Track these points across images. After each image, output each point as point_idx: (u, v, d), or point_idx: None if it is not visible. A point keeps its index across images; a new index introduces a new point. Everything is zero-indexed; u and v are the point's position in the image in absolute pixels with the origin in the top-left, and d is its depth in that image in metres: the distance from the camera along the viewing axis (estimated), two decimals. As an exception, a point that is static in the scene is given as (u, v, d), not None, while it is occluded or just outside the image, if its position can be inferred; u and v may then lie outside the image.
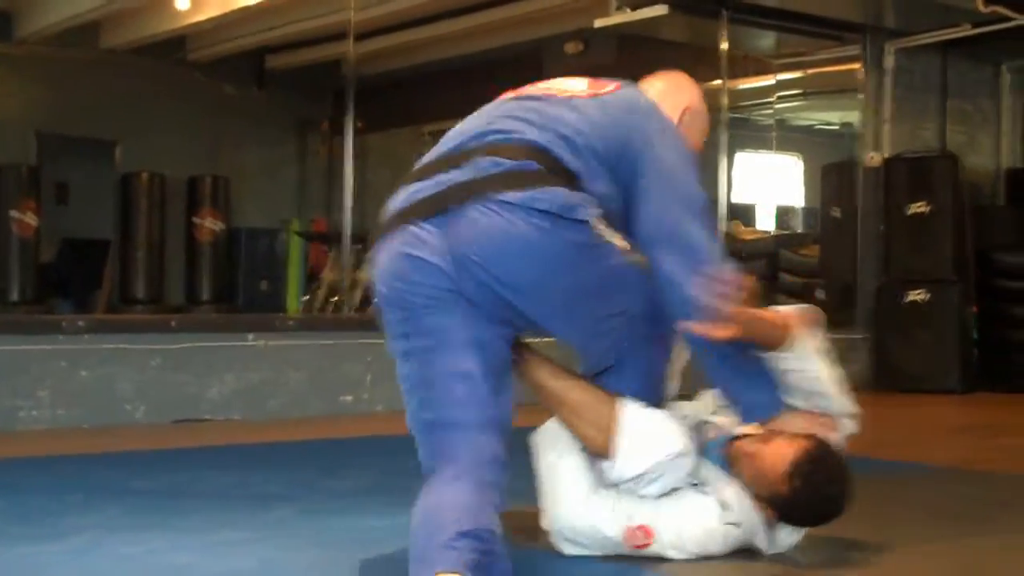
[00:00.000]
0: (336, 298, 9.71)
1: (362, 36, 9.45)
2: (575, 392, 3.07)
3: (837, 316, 8.85)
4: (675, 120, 3.21)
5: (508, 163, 2.86)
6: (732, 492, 3.05)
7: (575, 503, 3.08)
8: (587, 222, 2.81)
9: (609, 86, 3.17)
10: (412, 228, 2.85)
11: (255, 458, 5.05)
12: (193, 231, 11.12)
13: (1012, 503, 4.17)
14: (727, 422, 3.22)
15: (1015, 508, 4.07)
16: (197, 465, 4.75)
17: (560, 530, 3.11)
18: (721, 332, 2.86)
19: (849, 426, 3.16)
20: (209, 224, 11.13)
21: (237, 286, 11.27)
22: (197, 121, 11.67)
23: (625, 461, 3.00)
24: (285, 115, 12.37)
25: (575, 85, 3.19)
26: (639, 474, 3.01)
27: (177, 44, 11.23)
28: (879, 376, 8.57)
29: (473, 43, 10.65)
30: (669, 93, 3.33)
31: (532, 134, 2.93)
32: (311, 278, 11.12)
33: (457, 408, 2.82)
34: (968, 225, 8.59)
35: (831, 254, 9.32)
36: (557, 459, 3.13)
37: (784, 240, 10.60)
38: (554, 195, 2.79)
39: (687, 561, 3.03)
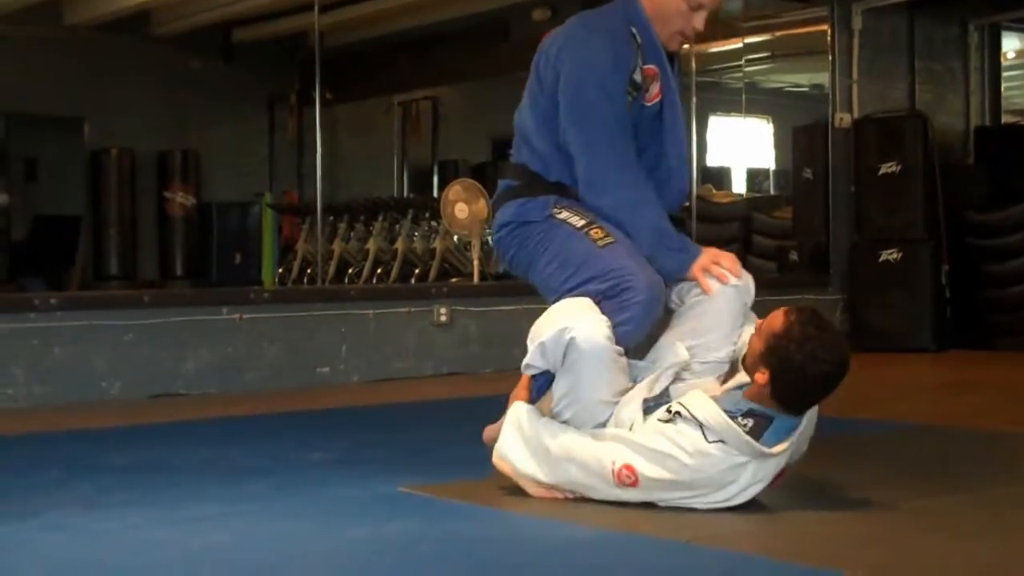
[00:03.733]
0: (310, 270, 9.71)
1: (328, 7, 9.40)
2: None
3: (811, 277, 8.90)
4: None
5: (502, 184, 3.73)
6: (711, 411, 3.07)
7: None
8: (540, 221, 3.55)
9: (544, 41, 3.65)
10: None
11: (231, 432, 5.05)
12: (165, 206, 11.09)
13: (983, 459, 4.20)
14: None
15: (985, 463, 4.10)
16: (173, 440, 4.74)
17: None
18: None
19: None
20: (180, 199, 11.10)
21: (211, 260, 11.26)
22: (165, 96, 11.62)
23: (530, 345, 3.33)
24: (253, 88, 12.31)
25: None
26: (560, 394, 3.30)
27: (142, 19, 11.15)
28: (854, 336, 8.59)
29: (440, 11, 10.62)
30: None
31: (514, 155, 3.71)
32: (285, 250, 11.11)
33: None
34: (939, 184, 8.61)
35: (803, 216, 9.34)
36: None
37: (756, 203, 10.61)
38: (508, 211, 3.62)
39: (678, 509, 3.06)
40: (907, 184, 8.55)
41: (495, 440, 3.43)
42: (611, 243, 3.44)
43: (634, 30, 3.55)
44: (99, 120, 11.24)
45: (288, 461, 4.15)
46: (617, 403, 3.27)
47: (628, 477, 3.14)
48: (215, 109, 12.03)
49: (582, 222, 3.50)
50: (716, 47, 10.54)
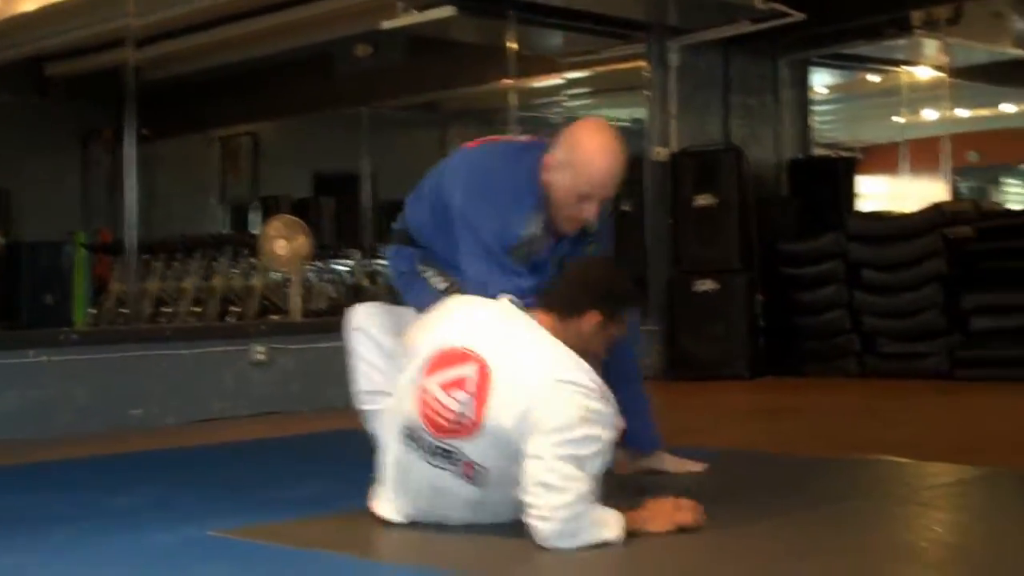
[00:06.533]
0: (125, 310, 9.46)
1: (144, 42, 9.21)
2: None
3: (631, 309, 9.00)
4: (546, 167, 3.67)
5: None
6: (583, 371, 3.14)
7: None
8: (409, 272, 3.89)
9: (451, 160, 3.91)
10: None
11: (38, 478, 4.87)
12: (-28, 246, 10.71)
13: (795, 483, 4.27)
14: None
15: (798, 488, 4.17)
16: (-26, 488, 4.56)
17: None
18: None
19: None
20: (-11, 238, 10.74)
21: (20, 302, 10.89)
22: (-25, 132, 11.26)
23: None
24: (67, 124, 12.01)
25: None
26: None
27: (-49, 54, 10.80)
28: (673, 365, 8.74)
29: (261, 46, 10.50)
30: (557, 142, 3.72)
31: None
32: (99, 290, 10.82)
33: None
34: (753, 216, 8.81)
35: (623, 248, 9.43)
36: None
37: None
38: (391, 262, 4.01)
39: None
40: (722, 216, 8.73)
41: None
42: None
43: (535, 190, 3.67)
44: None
45: (97, 507, 4.02)
46: None
47: None
48: (27, 145, 11.69)
49: (444, 285, 3.76)
50: (537, 82, 10.63)
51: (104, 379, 6.40)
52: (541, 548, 3.04)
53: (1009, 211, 10.86)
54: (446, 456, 3.22)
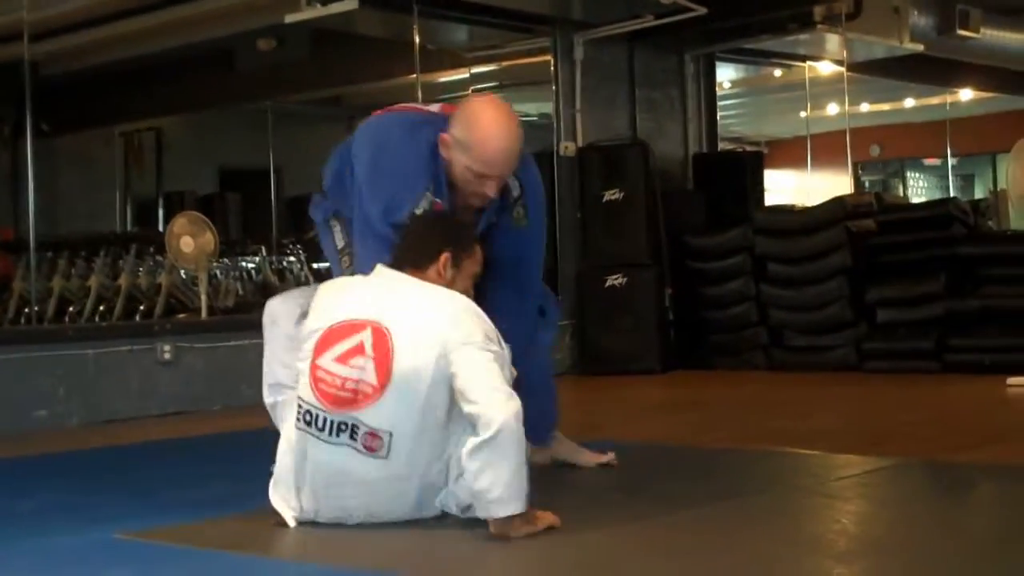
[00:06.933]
0: (28, 309, 9.29)
1: (42, 35, 9.05)
2: None
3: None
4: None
5: None
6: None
7: None
8: (322, 223, 4.04)
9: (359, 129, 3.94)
10: None
11: (-63, 483, 4.77)
12: None
13: (703, 475, 4.32)
14: None
15: (706, 479, 4.21)
16: None
17: None
18: None
19: None
20: None
21: (-81, 301, 10.66)
22: None
23: None
24: (-35, 120, 11.75)
25: None
26: None
27: None
28: (583, 360, 8.77)
29: (163, 40, 10.35)
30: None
31: None
32: (1, 289, 10.62)
33: None
34: (660, 210, 8.86)
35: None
36: None
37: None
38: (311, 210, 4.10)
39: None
40: (630, 210, 8.76)
41: None
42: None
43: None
44: None
45: (1, 510, 3.94)
46: None
47: None
48: (-77, 142, 11.45)
49: (341, 243, 3.95)
50: (443, 77, 10.61)
51: (7, 380, 6.28)
52: (443, 543, 3.07)
53: (910, 204, 11.05)
54: (346, 430, 3.22)
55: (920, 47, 10.67)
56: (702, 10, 8.63)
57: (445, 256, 3.45)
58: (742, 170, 9.96)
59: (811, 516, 3.61)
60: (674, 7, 8.59)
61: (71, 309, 9.38)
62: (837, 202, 8.72)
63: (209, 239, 7.85)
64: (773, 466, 4.51)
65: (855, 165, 13.05)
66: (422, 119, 3.84)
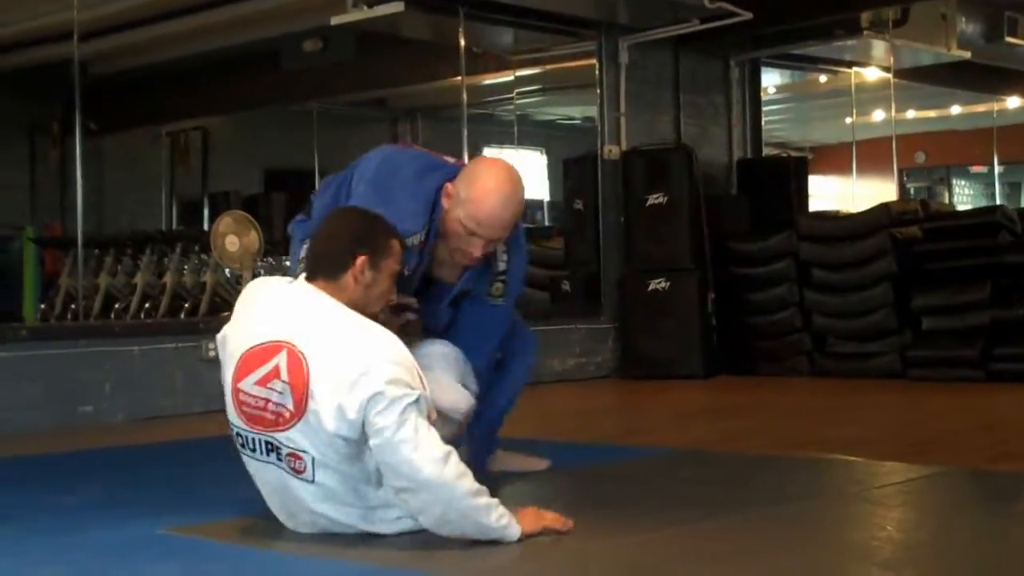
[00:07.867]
0: (75, 305, 9.37)
1: (92, 35, 9.12)
2: None
3: (583, 307, 9.03)
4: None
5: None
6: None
7: None
8: (299, 241, 3.84)
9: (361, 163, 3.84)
10: None
11: (-16, 476, 4.82)
12: (-81, 241, 10.59)
13: (747, 481, 4.30)
14: None
15: (749, 485, 4.19)
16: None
17: None
18: None
19: None
20: (-65, 233, 10.61)
21: (-31, 297, 10.77)
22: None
23: None
24: (14, 117, 11.86)
25: None
26: None
27: None
28: (626, 364, 8.77)
29: (210, 40, 10.42)
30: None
31: None
32: (48, 285, 10.71)
33: None
34: (703, 215, 8.84)
35: (575, 246, 9.46)
36: None
37: (530, 233, 10.69)
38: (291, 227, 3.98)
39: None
40: (673, 215, 8.75)
41: None
42: None
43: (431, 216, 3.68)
44: None
45: (43, 505, 3.98)
46: None
47: None
48: (-27, 139, 11.58)
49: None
50: (488, 79, 10.64)
51: (54, 376, 6.34)
52: (478, 546, 3.05)
53: (956, 211, 10.97)
54: (272, 450, 3.19)
55: (967, 54, 10.60)
56: (747, 15, 8.60)
57: (361, 259, 3.25)
58: (786, 175, 9.90)
59: (855, 523, 3.60)
60: (719, 12, 8.57)
61: (116, 306, 9.45)
62: (882, 208, 8.68)
63: (254, 238, 7.88)
64: (816, 473, 4.50)
65: (900, 172, 12.97)
66: (435, 165, 3.82)
